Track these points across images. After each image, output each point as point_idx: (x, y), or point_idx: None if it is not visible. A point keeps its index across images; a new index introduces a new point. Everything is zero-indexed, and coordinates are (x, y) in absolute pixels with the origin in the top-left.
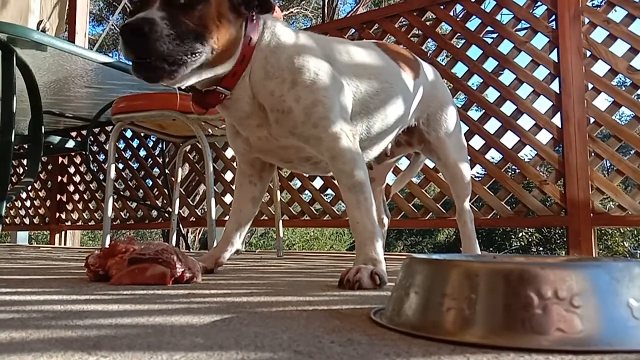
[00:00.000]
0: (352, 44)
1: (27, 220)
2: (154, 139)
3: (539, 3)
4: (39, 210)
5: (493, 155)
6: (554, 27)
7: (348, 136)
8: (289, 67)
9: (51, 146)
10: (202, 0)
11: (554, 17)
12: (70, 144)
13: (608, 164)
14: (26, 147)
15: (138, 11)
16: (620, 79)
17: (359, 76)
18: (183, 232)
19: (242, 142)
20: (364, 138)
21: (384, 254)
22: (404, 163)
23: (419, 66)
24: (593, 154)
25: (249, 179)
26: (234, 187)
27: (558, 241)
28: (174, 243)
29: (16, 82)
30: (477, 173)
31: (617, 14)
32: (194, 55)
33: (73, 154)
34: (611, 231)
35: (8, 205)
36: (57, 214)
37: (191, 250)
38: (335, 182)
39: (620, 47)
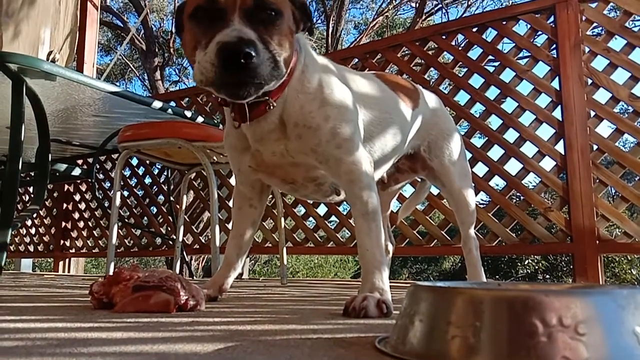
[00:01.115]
0: (357, 74)
1: (31, 248)
2: (159, 167)
3: (540, 32)
4: (44, 238)
5: (497, 182)
6: (555, 56)
7: (368, 162)
8: (320, 86)
9: (57, 174)
10: (278, 15)
11: (554, 46)
12: (77, 171)
13: (613, 191)
14: (33, 174)
15: (215, 18)
16: (622, 106)
17: (365, 105)
18: (187, 259)
19: (250, 160)
20: None
21: (389, 282)
22: (408, 190)
23: (419, 95)
24: (597, 181)
25: (249, 202)
26: (232, 212)
27: (565, 269)
28: (177, 270)
29: (25, 111)
30: (482, 200)
31: (617, 43)
32: (280, 76)
33: (79, 181)
34: (618, 258)
35: (13, 232)
36: (62, 241)
37: (194, 277)
38: (339, 208)
39: (621, 75)
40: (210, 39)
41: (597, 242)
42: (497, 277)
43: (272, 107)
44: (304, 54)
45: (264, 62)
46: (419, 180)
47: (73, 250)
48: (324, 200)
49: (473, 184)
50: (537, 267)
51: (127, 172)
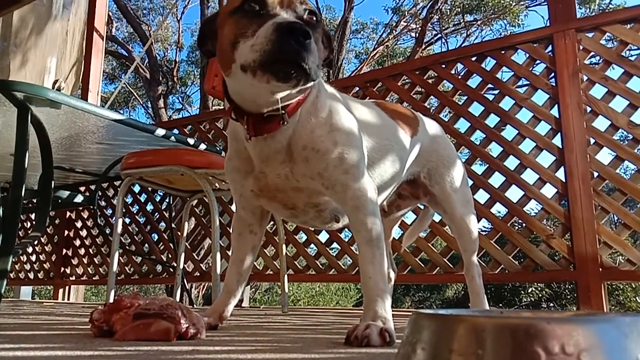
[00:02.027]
0: (358, 102)
1: (31, 275)
2: (161, 194)
3: (538, 61)
4: (44, 265)
5: (499, 209)
6: (554, 84)
7: (372, 189)
8: (330, 112)
9: (60, 201)
10: (319, 24)
11: (553, 74)
12: (79, 198)
13: (615, 218)
14: (35, 201)
15: (263, 13)
16: (622, 133)
17: (367, 132)
18: (187, 287)
19: (253, 184)
20: None
21: (392, 310)
22: (409, 217)
23: (418, 123)
24: (599, 208)
25: (250, 228)
26: (231, 238)
27: (568, 297)
28: (178, 298)
29: (29, 139)
30: (484, 227)
31: (614, 72)
32: (316, 77)
33: (81, 208)
34: (622, 286)
35: (13, 259)
36: (62, 269)
37: (195, 305)
38: (340, 235)
39: (619, 103)
40: (258, 27)
41: (600, 269)
42: (500, 305)
43: (285, 123)
44: (318, 80)
45: (314, 52)
46: (422, 207)
47: (73, 278)
48: (323, 227)
49: (475, 211)
50: (540, 295)
51: (129, 199)
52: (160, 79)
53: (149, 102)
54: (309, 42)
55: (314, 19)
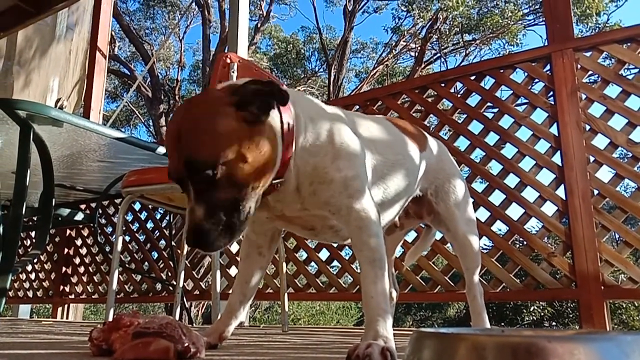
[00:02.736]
0: (368, 118)
1: (30, 293)
2: (161, 211)
3: (537, 80)
4: (43, 283)
5: (499, 227)
6: (553, 103)
7: (375, 209)
8: (330, 141)
9: (60, 218)
10: (215, 164)
11: (551, 93)
12: (79, 216)
13: (617, 236)
14: (35, 219)
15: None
16: (622, 151)
17: (376, 148)
18: (187, 305)
19: (268, 213)
20: (379, 205)
21: (393, 329)
22: (410, 236)
23: (426, 140)
24: (600, 226)
25: (258, 250)
26: (239, 259)
27: (571, 315)
28: (177, 317)
29: (31, 157)
30: (485, 245)
31: (613, 90)
32: (245, 219)
33: (81, 226)
34: (625, 305)
35: (12, 277)
36: (61, 287)
37: (194, 324)
38: (341, 252)
39: (618, 121)
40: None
41: (602, 287)
42: (502, 324)
43: (279, 185)
44: (300, 112)
45: (216, 240)
46: (423, 227)
47: (72, 296)
48: (343, 243)
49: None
50: (542, 314)
51: (129, 217)
52: (162, 97)
53: (150, 121)
54: (206, 241)
55: (207, 171)
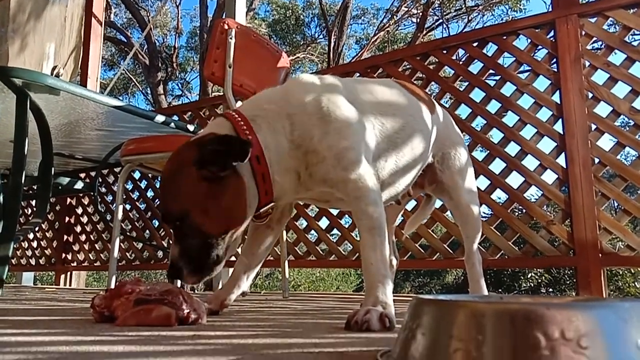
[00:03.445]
0: (374, 82)
1: (32, 261)
2: None
3: (540, 47)
4: (45, 251)
5: (499, 195)
6: (555, 70)
7: (374, 179)
8: (317, 122)
9: (60, 187)
10: (186, 217)
11: (554, 60)
12: (79, 185)
13: (615, 204)
14: (35, 188)
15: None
16: (624, 119)
17: (383, 113)
18: None
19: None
20: (393, 173)
21: (392, 295)
22: (410, 205)
23: (434, 105)
24: (599, 194)
25: (267, 223)
26: (248, 230)
27: (568, 282)
28: (179, 284)
29: (28, 125)
30: (484, 213)
31: (617, 57)
32: (216, 262)
33: (81, 195)
34: (622, 272)
35: (15, 245)
36: (64, 255)
37: (195, 291)
38: (340, 221)
39: (621, 89)
40: None
41: (600, 255)
42: (499, 290)
43: (272, 211)
44: (273, 125)
45: (187, 274)
46: (423, 195)
47: (75, 264)
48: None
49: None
50: (540, 281)
51: (129, 186)
52: (160, 65)
53: (148, 89)
54: (179, 271)
55: (179, 219)
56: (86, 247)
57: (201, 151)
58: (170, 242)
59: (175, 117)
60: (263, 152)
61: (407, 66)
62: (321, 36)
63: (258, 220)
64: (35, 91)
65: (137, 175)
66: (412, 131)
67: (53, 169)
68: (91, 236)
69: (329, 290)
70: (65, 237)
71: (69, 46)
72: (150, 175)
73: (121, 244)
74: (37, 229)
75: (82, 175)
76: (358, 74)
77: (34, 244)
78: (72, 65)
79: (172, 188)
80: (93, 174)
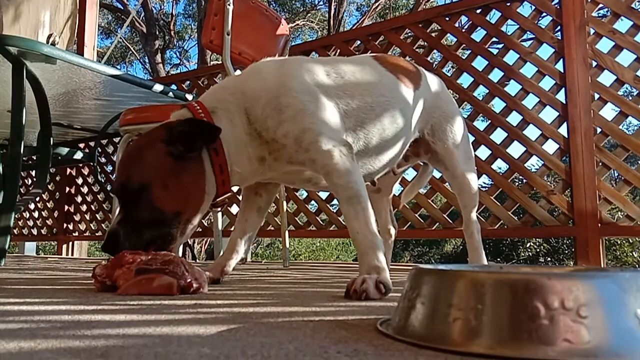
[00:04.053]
0: (344, 61)
1: (34, 231)
2: None
3: (544, 14)
4: (47, 221)
5: (500, 165)
6: (560, 38)
7: (341, 151)
8: (271, 113)
9: (59, 157)
10: (143, 187)
11: (559, 27)
12: (78, 155)
13: (616, 174)
14: (35, 158)
15: None
16: (627, 89)
17: (350, 94)
18: (189, 242)
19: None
20: (363, 152)
21: (391, 265)
22: (410, 173)
23: (420, 77)
24: (600, 164)
25: (255, 191)
26: (240, 198)
27: (566, 251)
28: (180, 254)
29: (26, 95)
30: (484, 183)
31: (623, 24)
32: (168, 237)
33: (81, 165)
34: (620, 241)
35: (16, 216)
36: (65, 225)
37: (197, 260)
38: None
39: (626, 57)
40: None
41: (599, 225)
42: (498, 259)
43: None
44: (228, 113)
45: (124, 244)
46: (422, 164)
47: (76, 234)
48: (329, 190)
49: (475, 167)
50: (538, 250)
51: None
52: (157, 33)
53: (146, 57)
54: (118, 240)
55: (135, 190)
56: (87, 217)
57: (171, 131)
58: None
59: (174, 86)
60: (222, 144)
61: (409, 34)
62: (321, 3)
63: (214, 208)
64: (31, 60)
65: None
66: (383, 111)
67: (52, 139)
68: (92, 206)
69: (329, 259)
70: (67, 207)
71: (65, 14)
72: None
73: None
74: (38, 199)
75: (82, 145)
76: (359, 42)
77: (36, 214)
78: (68, 34)
79: (137, 160)
80: (92, 144)
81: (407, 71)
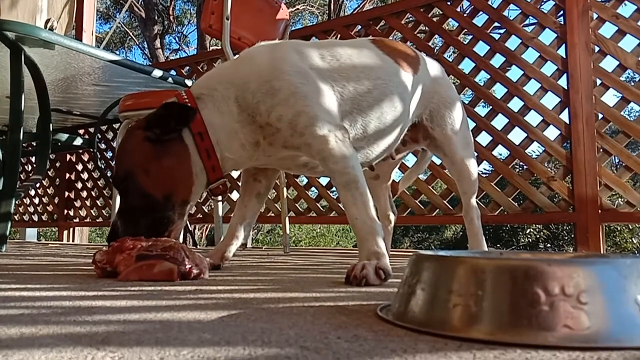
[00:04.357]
0: (341, 44)
1: (35, 217)
2: None
3: None
4: (47, 207)
5: (500, 151)
6: (562, 23)
7: (337, 136)
8: (262, 97)
9: (59, 144)
10: (128, 176)
11: (561, 12)
12: (78, 141)
13: (617, 160)
14: (34, 144)
15: None
16: (629, 74)
17: (346, 77)
18: (190, 228)
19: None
20: (361, 137)
21: (391, 251)
22: (410, 159)
23: (419, 62)
24: (601, 150)
25: (254, 177)
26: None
27: (566, 238)
28: (181, 240)
29: (24, 81)
30: (484, 169)
31: (627, 9)
32: (164, 220)
33: (81, 151)
34: (620, 228)
35: (17, 202)
36: (65, 211)
37: (198, 247)
38: None
39: (629, 43)
40: None
41: (600, 211)
42: (498, 245)
43: (226, 181)
44: (218, 102)
45: (124, 232)
46: (421, 150)
47: (77, 220)
48: (325, 176)
49: (476, 154)
50: (538, 236)
51: None
52: (156, 18)
53: (145, 43)
54: (115, 233)
55: (124, 180)
56: (88, 203)
57: (148, 117)
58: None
59: (173, 72)
60: (207, 130)
61: (410, 18)
62: None
63: (215, 196)
64: (29, 45)
65: None
66: (381, 94)
67: (51, 125)
68: (92, 192)
69: (329, 245)
70: (67, 193)
71: None
72: None
73: None
74: (38, 185)
75: (81, 131)
76: (360, 27)
77: (36, 201)
78: (66, 19)
79: (121, 151)
80: (92, 130)
81: (405, 55)
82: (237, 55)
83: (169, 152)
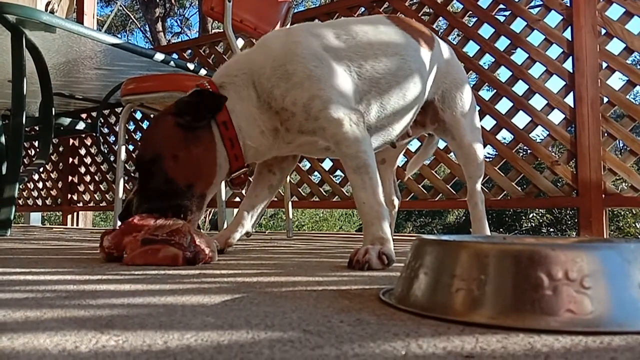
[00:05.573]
0: (356, 21)
1: (39, 202)
2: None
3: None
4: (51, 192)
5: (504, 135)
6: (568, 5)
7: (351, 119)
8: (277, 82)
9: (62, 128)
10: (155, 159)
11: None
12: (81, 125)
13: (621, 145)
14: (37, 129)
15: None
16: (636, 57)
17: (363, 55)
18: None
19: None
20: (382, 116)
21: (394, 235)
22: (413, 145)
23: (433, 39)
24: (606, 134)
25: (269, 168)
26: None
27: (569, 222)
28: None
29: (26, 64)
30: (488, 154)
31: None
32: (181, 208)
33: (83, 135)
34: (623, 212)
35: (21, 186)
36: (69, 195)
37: (202, 231)
38: None
39: (636, 25)
40: None
41: (603, 195)
42: (501, 230)
43: (247, 170)
44: (238, 88)
45: (137, 211)
46: (427, 135)
47: (81, 204)
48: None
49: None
50: (541, 221)
51: (131, 126)
52: (158, 1)
53: (146, 26)
54: (128, 211)
55: (149, 162)
56: (91, 187)
57: (178, 103)
58: None
59: (175, 55)
60: (230, 119)
61: (414, 0)
62: None
63: (234, 187)
64: (30, 28)
65: (138, 115)
66: (399, 70)
67: (54, 109)
68: (96, 177)
69: (332, 230)
70: (70, 178)
71: None
72: (152, 115)
73: (126, 185)
74: (42, 170)
75: (84, 115)
76: (363, 9)
77: (40, 185)
78: (67, 1)
79: (150, 133)
80: (94, 114)
81: (421, 32)
82: (250, 49)
83: (197, 140)
